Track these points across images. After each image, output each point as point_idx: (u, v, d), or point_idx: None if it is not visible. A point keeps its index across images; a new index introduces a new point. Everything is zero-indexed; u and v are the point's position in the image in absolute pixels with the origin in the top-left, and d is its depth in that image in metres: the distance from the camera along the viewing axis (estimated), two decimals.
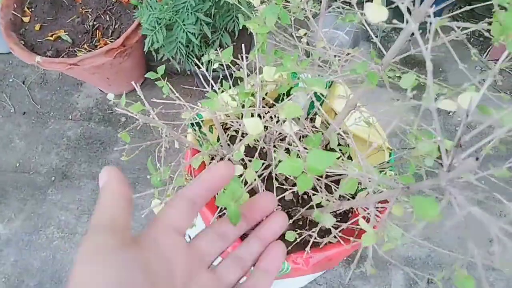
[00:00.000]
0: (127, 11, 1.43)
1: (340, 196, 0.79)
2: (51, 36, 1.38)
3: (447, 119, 1.66)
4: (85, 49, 1.37)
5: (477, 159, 0.41)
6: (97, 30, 1.41)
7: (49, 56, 1.33)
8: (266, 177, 1.00)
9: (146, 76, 0.79)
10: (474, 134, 0.47)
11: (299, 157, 0.57)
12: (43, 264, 1.41)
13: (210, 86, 0.83)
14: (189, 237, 1.01)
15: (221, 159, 0.85)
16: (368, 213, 0.65)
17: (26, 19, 1.42)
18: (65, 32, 1.39)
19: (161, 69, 0.79)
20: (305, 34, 0.79)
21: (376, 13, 0.40)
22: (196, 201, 0.32)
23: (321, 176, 0.75)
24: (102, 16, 1.43)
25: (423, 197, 0.39)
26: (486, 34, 0.52)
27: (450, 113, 1.67)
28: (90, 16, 1.43)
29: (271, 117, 0.75)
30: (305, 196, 1.04)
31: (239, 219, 0.51)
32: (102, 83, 1.55)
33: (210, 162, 0.90)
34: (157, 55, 1.31)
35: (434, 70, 1.79)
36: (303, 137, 0.90)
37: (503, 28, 0.36)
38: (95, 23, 1.42)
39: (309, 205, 0.73)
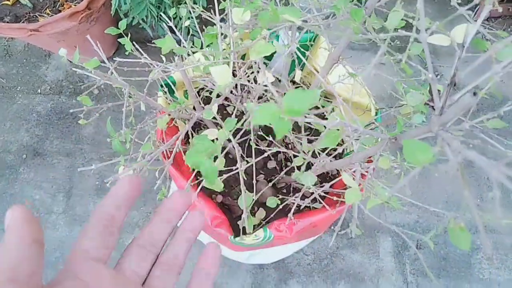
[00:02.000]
0: None
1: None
2: (9, 0, 1.27)
3: None
4: (48, 14, 1.26)
5: (475, 93, 0.35)
6: None
7: (7, 22, 1.21)
8: (246, 145, 0.94)
9: (106, 31, 0.70)
10: (469, 71, 0.41)
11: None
12: None
13: (183, 40, 0.76)
14: None
15: (194, 125, 0.79)
16: (354, 175, 0.60)
17: None
18: None
19: (122, 23, 0.70)
20: None
21: None
22: (109, 222, 0.28)
23: (300, 131, 0.69)
24: None
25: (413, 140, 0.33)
26: None
27: (437, 76, 1.62)
28: None
29: (246, 73, 0.68)
30: (289, 163, 0.99)
31: (215, 177, 0.45)
32: (70, 51, 1.44)
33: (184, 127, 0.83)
34: (127, 18, 1.21)
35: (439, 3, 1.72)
36: None
37: None
38: None
39: (290, 167, 0.68)
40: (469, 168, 1.48)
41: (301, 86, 1.05)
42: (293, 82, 1.08)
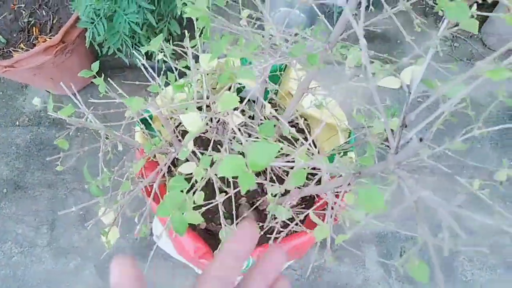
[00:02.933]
0: (65, 3, 1.32)
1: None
2: None
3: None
4: (22, 48, 1.26)
5: (421, 140, 0.38)
6: (34, 27, 1.30)
7: None
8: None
9: (79, 74, 0.72)
10: (419, 111, 0.44)
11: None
12: (4, 283, 1.32)
13: (156, 77, 0.78)
14: (157, 236, 0.93)
15: (174, 160, 0.80)
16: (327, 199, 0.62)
17: None
18: None
19: (95, 65, 0.72)
20: (248, 16, 0.74)
21: None
22: (229, 279, 0.26)
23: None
24: (38, 11, 1.32)
25: (369, 187, 0.35)
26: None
27: (425, 92, 1.67)
28: (24, 12, 1.31)
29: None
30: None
31: (185, 229, 0.46)
32: (47, 83, 1.44)
33: (163, 160, 0.84)
34: (101, 49, 1.23)
35: (391, 42, 1.78)
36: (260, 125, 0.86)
37: None
38: (30, 19, 1.31)
39: (265, 197, 0.70)
40: (447, 173, 1.53)
41: (277, 108, 1.08)
42: (270, 102, 1.10)
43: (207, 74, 0.63)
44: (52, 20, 1.31)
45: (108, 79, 0.96)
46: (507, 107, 1.64)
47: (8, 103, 1.59)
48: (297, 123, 0.97)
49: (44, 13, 1.32)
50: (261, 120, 0.88)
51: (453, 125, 1.57)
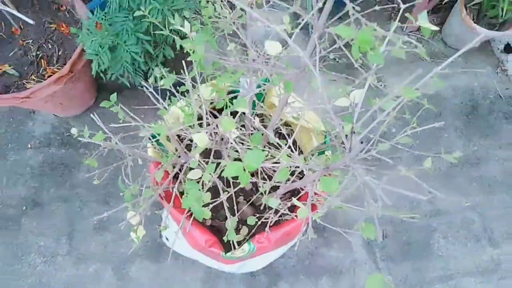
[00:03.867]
0: (69, 37, 1.48)
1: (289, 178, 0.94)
2: None
3: (381, 92, 1.86)
4: (33, 80, 1.42)
5: (361, 142, 0.56)
6: (42, 60, 1.46)
7: None
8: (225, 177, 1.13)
9: (101, 105, 0.88)
10: (362, 121, 0.62)
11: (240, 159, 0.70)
12: None
13: (161, 101, 0.94)
14: (166, 238, 1.16)
15: (181, 166, 0.97)
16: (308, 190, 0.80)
17: None
18: (9, 66, 1.43)
19: (113, 97, 0.88)
20: (234, 47, 0.92)
21: (273, 47, 0.53)
22: None
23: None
24: (44, 45, 1.47)
25: (330, 176, 0.53)
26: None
27: (382, 86, 1.87)
28: (32, 47, 1.47)
29: (217, 125, 0.87)
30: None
31: (202, 215, 0.64)
32: (55, 108, 1.60)
33: (172, 170, 1.01)
34: (105, 75, 1.39)
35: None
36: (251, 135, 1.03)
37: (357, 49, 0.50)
38: (38, 52, 1.47)
39: (259, 193, 0.87)
40: (418, 162, 1.72)
41: (263, 118, 1.25)
42: (257, 115, 1.28)
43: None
44: (58, 52, 1.47)
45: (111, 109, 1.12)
46: (467, 97, 1.84)
47: (19, 128, 1.74)
48: (281, 131, 1.15)
49: (50, 46, 1.48)
50: (251, 130, 1.05)
51: (424, 117, 1.77)
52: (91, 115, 0.84)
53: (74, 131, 0.78)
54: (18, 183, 1.64)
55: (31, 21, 1.29)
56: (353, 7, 0.60)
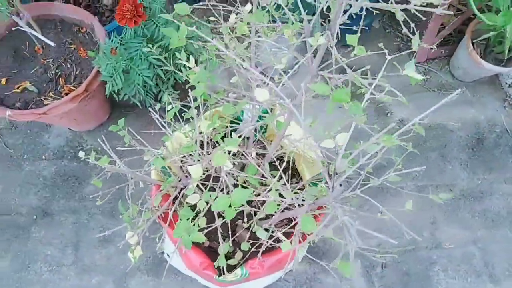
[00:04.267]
0: (86, 57, 1.56)
1: (285, 208, 0.97)
2: (18, 88, 1.50)
3: (386, 120, 1.88)
4: (51, 96, 1.50)
5: (340, 185, 0.60)
6: (60, 78, 1.54)
7: (18, 108, 1.45)
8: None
9: (109, 129, 0.94)
10: (345, 163, 0.65)
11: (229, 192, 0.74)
12: None
13: (166, 127, 1.00)
14: (167, 255, 1.21)
15: (181, 189, 1.02)
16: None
17: None
18: (30, 83, 1.52)
19: (121, 122, 0.94)
20: (236, 80, 0.97)
21: (261, 95, 0.58)
22: None
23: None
24: (63, 64, 1.56)
25: (306, 216, 0.56)
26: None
27: (387, 114, 1.89)
28: (52, 66, 1.56)
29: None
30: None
31: (191, 245, 0.68)
32: (70, 123, 1.68)
33: (173, 193, 1.06)
34: (118, 96, 1.46)
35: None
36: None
37: None
38: (57, 71, 1.55)
39: (251, 222, 0.90)
40: (421, 192, 1.72)
41: (264, 145, 1.29)
42: (259, 140, 1.32)
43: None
44: (76, 71, 1.55)
45: (123, 117, 1.18)
46: (473, 130, 1.85)
47: (36, 140, 1.82)
48: (282, 157, 1.19)
49: (69, 66, 1.56)
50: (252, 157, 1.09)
51: (430, 148, 1.78)
52: (98, 140, 0.89)
53: (81, 154, 0.83)
54: (30, 192, 1.71)
55: (52, 43, 1.37)
56: (341, 58, 0.65)
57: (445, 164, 1.79)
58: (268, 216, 1.10)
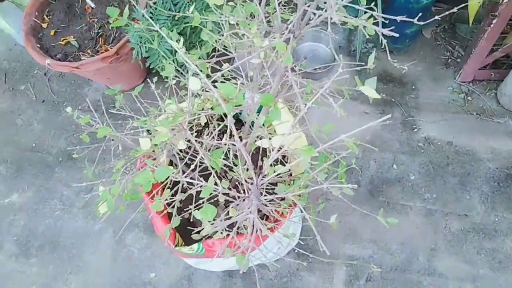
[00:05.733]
0: None
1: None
2: (63, 41, 1.65)
3: (411, 135, 1.79)
4: (88, 53, 1.63)
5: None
6: (101, 38, 1.67)
7: (58, 59, 1.60)
8: None
9: (107, 92, 1.01)
10: (267, 166, 0.66)
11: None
12: (46, 230, 1.71)
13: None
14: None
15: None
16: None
17: (44, 25, 1.70)
18: (74, 38, 1.66)
19: (138, 88, 1.02)
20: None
21: (194, 83, 0.60)
22: None
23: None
24: (105, 26, 1.68)
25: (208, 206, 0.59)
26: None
27: (414, 129, 1.80)
28: (95, 25, 1.68)
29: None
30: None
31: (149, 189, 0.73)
32: (104, 81, 1.81)
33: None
34: (145, 63, 1.55)
35: (406, 87, 1.91)
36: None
37: None
38: (99, 31, 1.68)
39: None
40: (429, 216, 1.64)
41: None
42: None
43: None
44: (115, 34, 1.67)
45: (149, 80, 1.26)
46: (505, 165, 1.70)
47: (77, 91, 2.00)
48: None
49: (110, 28, 1.68)
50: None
51: (451, 173, 1.68)
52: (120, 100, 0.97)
53: (68, 109, 0.92)
54: (62, 137, 1.89)
55: (92, 4, 1.48)
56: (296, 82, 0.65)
57: (463, 193, 1.67)
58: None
